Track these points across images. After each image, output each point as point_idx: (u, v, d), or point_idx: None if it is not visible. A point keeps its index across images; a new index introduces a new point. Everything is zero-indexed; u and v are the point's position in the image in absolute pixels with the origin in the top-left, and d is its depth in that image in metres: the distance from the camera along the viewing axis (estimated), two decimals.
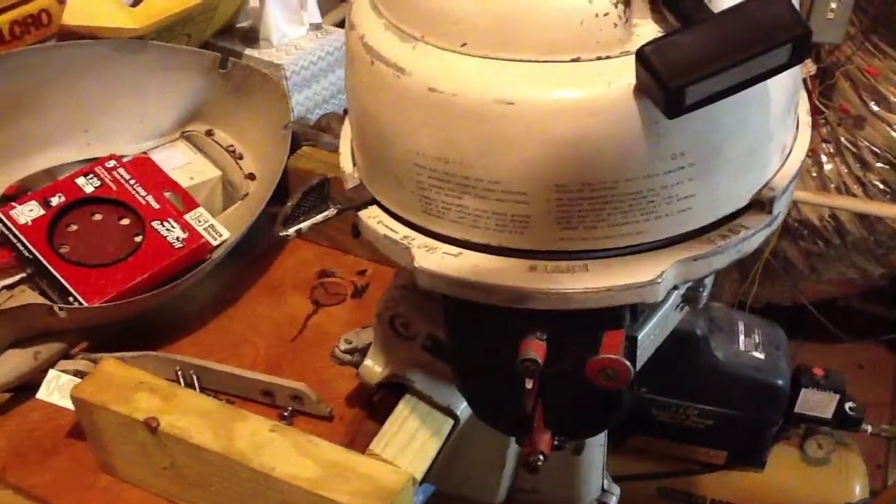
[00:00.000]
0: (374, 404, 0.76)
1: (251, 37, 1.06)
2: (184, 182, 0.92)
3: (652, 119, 0.37)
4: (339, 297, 0.87)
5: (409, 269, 0.65)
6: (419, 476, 0.59)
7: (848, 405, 1.19)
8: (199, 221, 0.87)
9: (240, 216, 0.91)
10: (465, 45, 0.39)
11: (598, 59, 0.38)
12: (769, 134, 0.42)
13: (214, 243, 0.86)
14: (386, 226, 0.45)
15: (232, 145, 0.98)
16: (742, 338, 1.17)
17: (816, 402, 1.22)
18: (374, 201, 0.47)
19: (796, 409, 1.20)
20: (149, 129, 0.96)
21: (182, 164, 0.95)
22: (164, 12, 0.89)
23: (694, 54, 0.34)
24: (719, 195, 0.42)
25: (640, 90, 0.37)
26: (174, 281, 0.82)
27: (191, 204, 0.89)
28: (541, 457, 0.46)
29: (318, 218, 0.45)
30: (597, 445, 0.67)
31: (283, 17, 1.02)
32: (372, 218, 0.46)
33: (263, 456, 0.60)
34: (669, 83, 0.34)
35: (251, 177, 0.96)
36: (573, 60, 0.38)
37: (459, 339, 0.49)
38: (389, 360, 0.66)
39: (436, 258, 0.42)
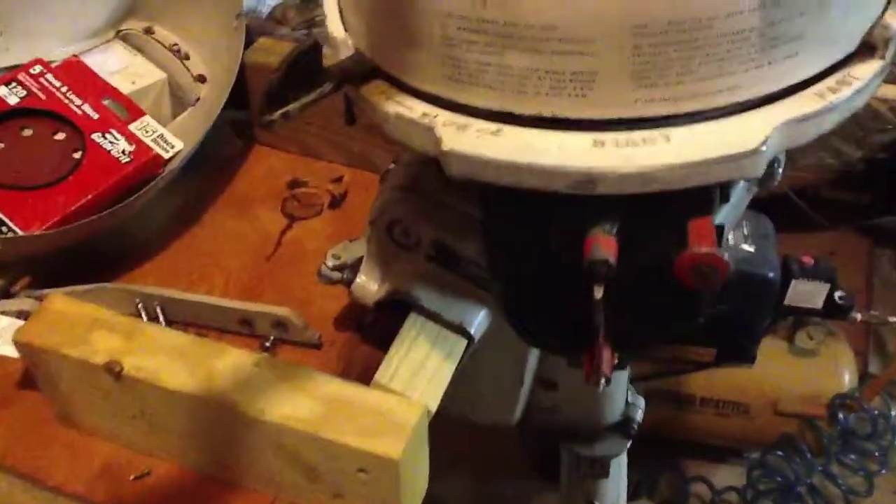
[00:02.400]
0: (367, 326, 0.68)
1: None
2: (124, 88, 0.80)
3: None
4: (315, 209, 0.78)
5: (411, 163, 0.56)
6: (434, 407, 0.51)
7: (837, 294, 1.14)
8: (147, 132, 0.76)
9: (193, 124, 0.80)
10: None
11: None
12: None
13: (166, 155, 0.75)
14: (397, 101, 0.35)
15: (176, 44, 0.86)
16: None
17: (806, 293, 1.17)
18: (377, 72, 0.37)
19: (786, 301, 1.15)
20: (77, 28, 0.84)
21: (120, 67, 0.83)
22: None
23: None
24: (830, 35, 0.32)
25: None
26: (124, 200, 0.71)
27: (135, 112, 0.77)
28: (604, 380, 0.37)
29: (312, 96, 0.35)
30: None
31: None
32: (378, 94, 0.36)
33: (250, 396, 0.50)
34: None
35: (201, 79, 0.84)
36: None
37: (502, 239, 0.39)
38: (387, 274, 0.57)
39: (469, 138, 0.33)
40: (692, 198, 0.32)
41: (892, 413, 1.19)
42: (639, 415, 0.67)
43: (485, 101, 0.33)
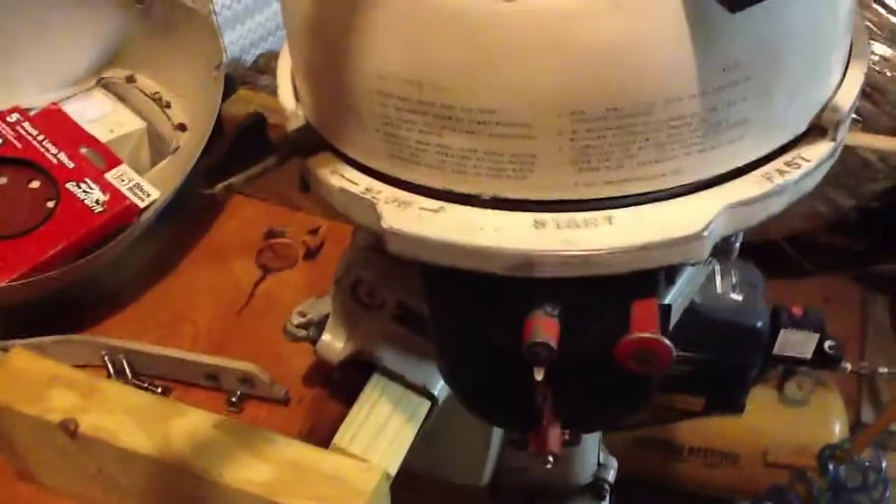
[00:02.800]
0: (336, 382, 0.67)
1: None
2: (103, 136, 0.80)
3: (701, 17, 0.28)
4: (290, 260, 0.77)
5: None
6: (393, 471, 0.50)
7: (827, 344, 1.13)
8: (123, 181, 0.76)
9: (171, 172, 0.80)
10: None
11: None
12: (837, 37, 0.33)
13: (142, 205, 0.75)
14: (343, 176, 0.35)
15: (157, 92, 0.86)
16: (719, 279, 1.11)
17: (796, 342, 1.16)
18: (325, 145, 0.36)
19: (775, 351, 1.14)
20: (58, 76, 0.84)
21: (100, 115, 0.83)
22: None
23: None
24: (776, 119, 0.32)
25: None
26: (97, 249, 0.71)
27: (112, 161, 0.77)
28: (550, 458, 0.36)
29: (255, 169, 0.35)
30: None
31: None
32: (324, 167, 0.36)
33: (208, 459, 0.50)
34: None
35: (181, 127, 0.84)
36: None
37: (445, 318, 0.39)
38: (352, 333, 0.56)
39: (410, 216, 0.32)
40: (636, 280, 0.31)
41: (884, 465, 1.17)
42: (611, 475, 0.66)
43: (426, 179, 0.33)
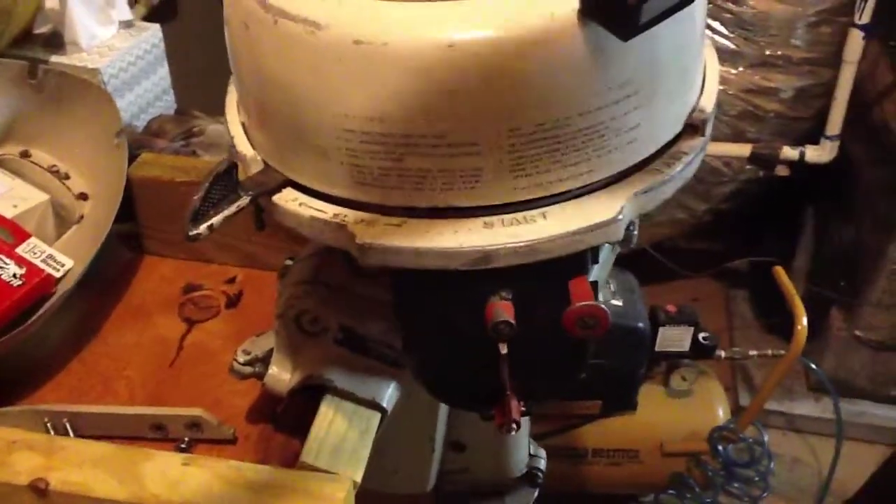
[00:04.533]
0: (279, 416, 0.70)
1: (54, 42, 0.95)
2: (7, 212, 0.81)
3: (599, 46, 0.35)
4: (213, 311, 0.80)
5: (311, 258, 0.61)
6: (359, 478, 0.55)
7: (702, 335, 1.25)
8: (35, 253, 0.77)
9: (79, 241, 0.82)
10: None
11: None
12: (697, 53, 0.41)
13: (57, 275, 0.76)
14: (310, 206, 0.40)
15: (54, 165, 0.87)
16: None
17: (673, 338, 1.27)
18: (287, 183, 0.42)
19: (657, 347, 1.24)
20: None
21: (1, 192, 0.84)
22: None
23: None
24: (660, 122, 0.40)
25: (584, 16, 0.34)
26: (17, 323, 0.72)
27: (21, 235, 0.78)
28: (514, 426, 0.43)
29: (231, 209, 0.40)
30: None
31: (89, 17, 0.92)
32: (291, 201, 0.41)
33: (184, 495, 0.52)
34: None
35: (83, 196, 0.86)
36: None
37: (414, 315, 0.45)
38: (298, 362, 0.61)
39: (377, 231, 0.38)
40: (569, 262, 0.39)
41: (765, 439, 1.30)
42: (542, 464, 0.73)
43: (388, 200, 0.38)
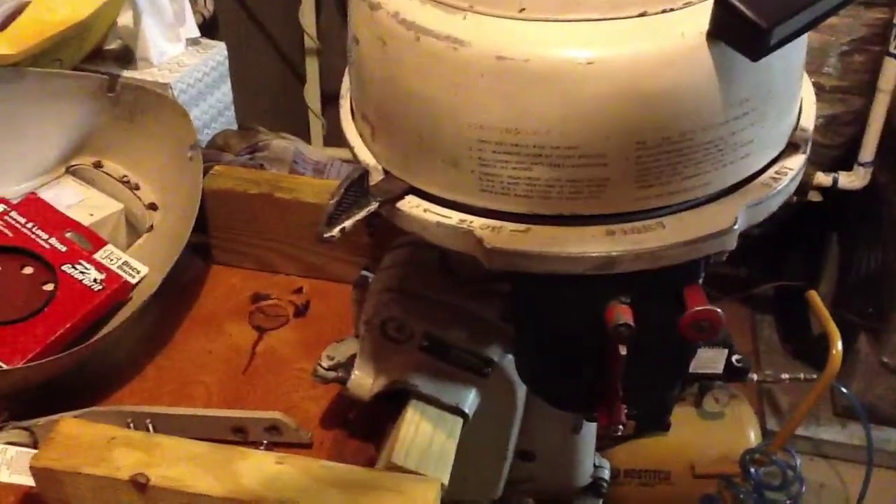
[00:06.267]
0: (351, 422, 0.72)
1: (125, 58, 0.98)
2: (83, 220, 0.83)
3: (725, 65, 0.38)
4: (282, 319, 0.82)
5: (395, 267, 0.63)
6: (446, 481, 0.57)
7: (735, 357, 1.26)
8: (112, 260, 0.80)
9: (149, 250, 0.84)
10: (523, 10, 0.38)
11: (664, 11, 0.38)
12: (801, 74, 0.44)
13: (133, 281, 0.79)
14: (434, 212, 0.42)
15: (125, 175, 0.90)
16: None
17: (707, 359, 1.28)
18: (410, 190, 0.44)
19: (690, 369, 1.25)
20: (30, 166, 0.87)
21: (76, 201, 0.87)
22: (40, 35, 0.80)
23: None
24: (770, 139, 0.43)
25: (713, 37, 0.37)
26: (95, 327, 0.74)
27: (98, 242, 0.81)
28: (620, 427, 0.45)
29: (361, 214, 0.42)
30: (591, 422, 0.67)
31: (160, 34, 0.95)
32: (415, 207, 0.43)
33: (281, 492, 0.54)
34: (762, 23, 0.34)
35: (153, 207, 0.89)
36: (640, 15, 0.37)
37: (530, 317, 0.47)
38: (381, 368, 0.63)
39: (504, 237, 0.40)
40: (684, 269, 0.41)
41: (797, 463, 1.30)
42: (606, 474, 0.74)
43: (515, 207, 0.41)
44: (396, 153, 0.44)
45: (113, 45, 0.97)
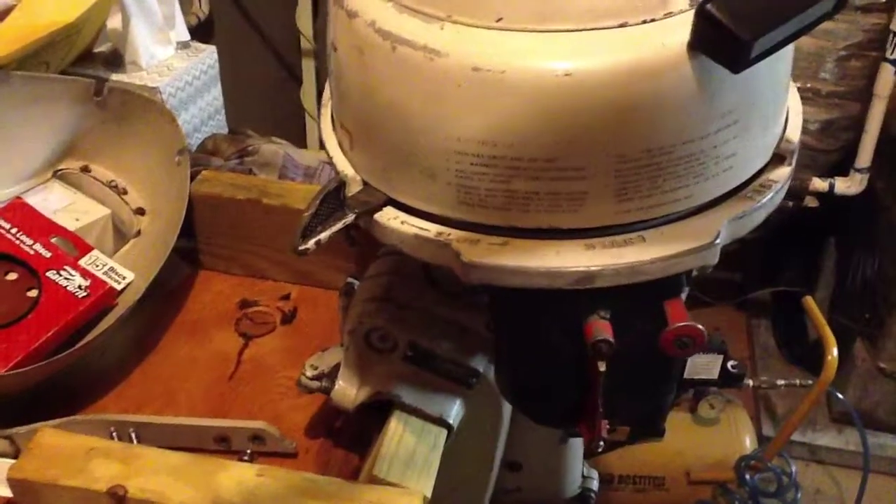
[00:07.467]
0: (337, 431, 0.72)
1: (113, 61, 0.97)
2: (69, 225, 0.83)
3: (706, 77, 0.37)
4: (269, 326, 0.82)
5: (380, 276, 0.62)
6: (429, 493, 0.56)
7: (730, 363, 1.25)
8: (97, 266, 0.79)
9: (136, 255, 0.84)
10: (500, 20, 0.37)
11: (644, 22, 0.37)
12: (787, 85, 0.43)
13: (119, 287, 0.78)
14: (412, 224, 0.42)
15: (113, 180, 0.89)
16: None
17: (702, 365, 1.28)
18: (388, 202, 0.43)
19: (685, 375, 1.25)
20: (16, 170, 0.86)
21: (62, 205, 0.86)
22: (27, 37, 0.79)
23: (757, 7, 0.34)
24: (753, 151, 0.42)
25: (695, 49, 0.36)
26: (80, 334, 0.73)
27: (84, 248, 0.80)
28: (601, 443, 0.44)
29: (338, 226, 0.41)
30: None
31: (150, 38, 0.94)
32: (393, 219, 0.42)
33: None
34: (743, 35, 0.33)
35: (140, 212, 0.88)
36: (621, 26, 0.37)
37: (509, 332, 0.46)
38: (365, 378, 0.62)
39: (482, 250, 0.40)
40: (664, 284, 0.40)
41: (793, 469, 1.30)
42: (594, 485, 0.74)
43: (493, 220, 0.40)
44: (375, 164, 0.43)
45: (102, 49, 0.97)
